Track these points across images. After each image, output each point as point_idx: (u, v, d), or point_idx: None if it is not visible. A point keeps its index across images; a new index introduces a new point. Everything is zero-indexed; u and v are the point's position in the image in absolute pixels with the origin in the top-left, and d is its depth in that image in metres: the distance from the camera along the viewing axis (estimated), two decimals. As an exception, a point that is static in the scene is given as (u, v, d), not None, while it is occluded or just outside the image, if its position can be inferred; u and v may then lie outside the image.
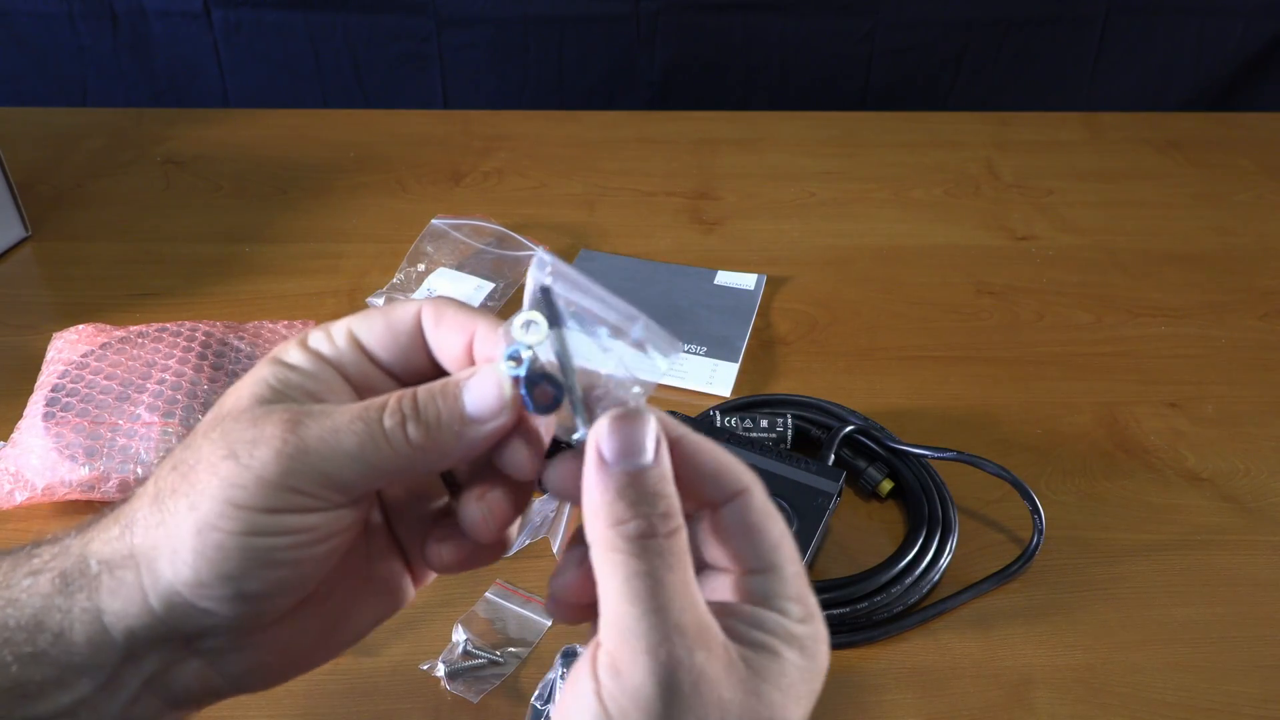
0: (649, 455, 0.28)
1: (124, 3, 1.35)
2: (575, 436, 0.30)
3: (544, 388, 0.30)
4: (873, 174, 1.04)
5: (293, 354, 0.32)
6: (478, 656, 0.53)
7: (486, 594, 0.57)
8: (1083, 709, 0.52)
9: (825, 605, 0.55)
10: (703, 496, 0.30)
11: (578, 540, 0.31)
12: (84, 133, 1.09)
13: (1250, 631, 0.57)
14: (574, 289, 0.30)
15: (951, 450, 0.63)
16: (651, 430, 0.29)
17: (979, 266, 0.89)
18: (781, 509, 0.56)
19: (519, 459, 0.31)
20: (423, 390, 0.31)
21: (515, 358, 0.30)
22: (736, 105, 1.42)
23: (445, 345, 0.32)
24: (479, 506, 0.31)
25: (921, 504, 0.61)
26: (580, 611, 0.31)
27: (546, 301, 0.30)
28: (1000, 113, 1.17)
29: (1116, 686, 0.53)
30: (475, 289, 0.82)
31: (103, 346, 0.68)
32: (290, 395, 0.31)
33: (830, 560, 0.60)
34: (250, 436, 0.29)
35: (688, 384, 0.74)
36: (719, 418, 0.65)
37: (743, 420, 0.65)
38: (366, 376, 0.33)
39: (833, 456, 0.63)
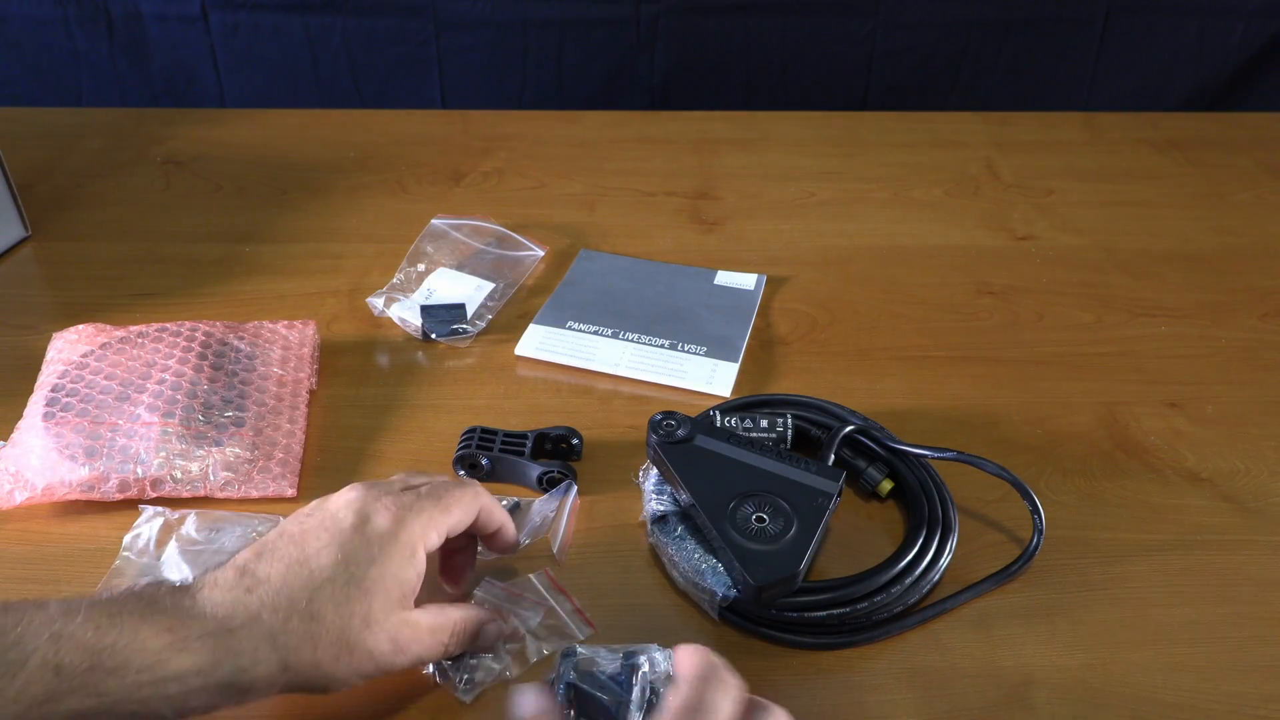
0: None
1: (119, 6, 1.34)
2: None
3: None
4: (873, 174, 1.04)
5: (420, 556, 0.49)
6: (477, 656, 0.53)
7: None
8: (1083, 709, 0.52)
9: (825, 605, 0.55)
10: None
11: None
12: (83, 133, 1.09)
13: (1250, 631, 0.56)
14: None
15: (951, 450, 0.63)
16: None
17: (979, 266, 0.89)
18: (781, 509, 0.56)
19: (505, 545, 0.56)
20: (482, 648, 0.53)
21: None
22: (737, 108, 1.42)
23: (481, 529, 0.54)
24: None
25: (921, 504, 0.61)
26: None
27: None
28: (1000, 113, 1.17)
29: (1116, 686, 0.53)
30: (475, 289, 0.82)
31: (103, 346, 0.68)
32: (408, 594, 0.49)
33: (830, 560, 0.60)
34: (371, 644, 0.47)
35: (688, 384, 0.74)
36: (719, 418, 0.65)
37: (743, 420, 0.65)
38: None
39: (833, 456, 0.63)
